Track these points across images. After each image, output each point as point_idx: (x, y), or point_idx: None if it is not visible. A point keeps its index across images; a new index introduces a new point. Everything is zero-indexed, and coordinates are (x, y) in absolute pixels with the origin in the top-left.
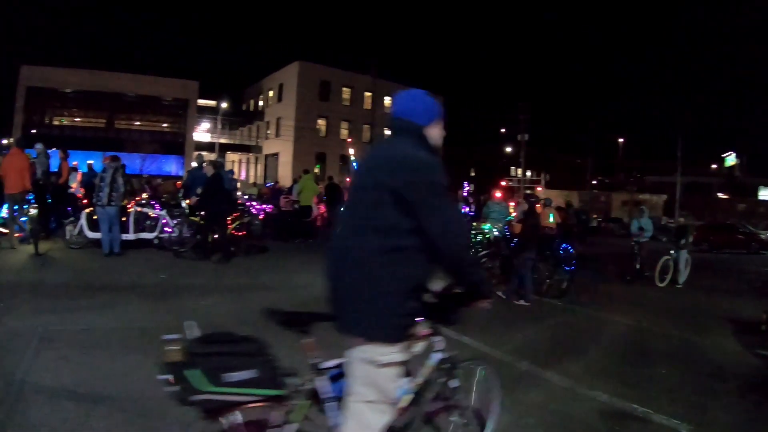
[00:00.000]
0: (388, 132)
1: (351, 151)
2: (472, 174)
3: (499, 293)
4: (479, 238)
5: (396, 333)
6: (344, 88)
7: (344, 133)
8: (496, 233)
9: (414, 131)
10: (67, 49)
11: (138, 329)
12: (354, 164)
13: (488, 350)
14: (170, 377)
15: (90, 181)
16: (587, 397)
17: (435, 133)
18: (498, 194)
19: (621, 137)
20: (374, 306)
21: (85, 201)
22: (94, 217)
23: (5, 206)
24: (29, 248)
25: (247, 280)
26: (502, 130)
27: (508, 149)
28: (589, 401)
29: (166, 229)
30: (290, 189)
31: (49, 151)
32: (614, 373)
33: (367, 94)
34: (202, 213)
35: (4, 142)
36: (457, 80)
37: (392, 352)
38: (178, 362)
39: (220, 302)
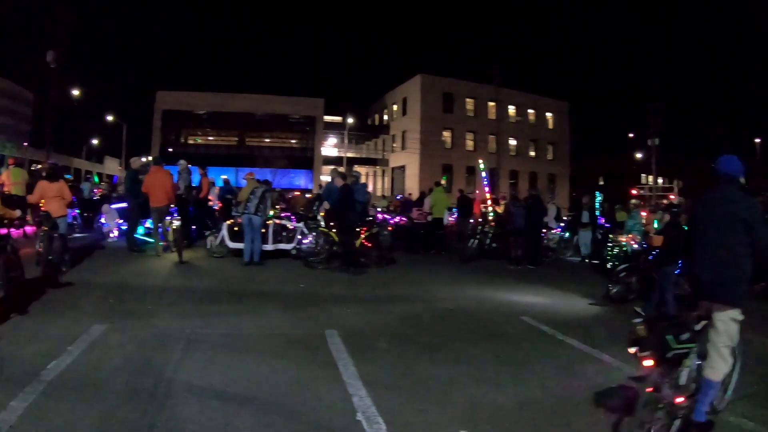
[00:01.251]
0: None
1: (481, 165)
2: (601, 183)
3: (638, 310)
4: (616, 251)
5: (744, 302)
6: (467, 99)
7: (469, 144)
8: (635, 246)
9: (735, 181)
10: (199, 73)
11: (282, 335)
12: (484, 177)
13: (624, 367)
14: (636, 348)
15: (225, 195)
16: (731, 424)
17: (742, 180)
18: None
19: (758, 138)
20: (738, 286)
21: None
22: (235, 229)
23: (150, 218)
24: (173, 256)
25: (382, 292)
26: (631, 135)
27: (638, 155)
28: (732, 429)
29: (303, 240)
30: (419, 201)
31: (190, 167)
32: (761, 400)
33: (491, 104)
34: (333, 224)
35: (143, 160)
36: (583, 85)
37: (741, 314)
38: (650, 335)
39: (358, 312)
